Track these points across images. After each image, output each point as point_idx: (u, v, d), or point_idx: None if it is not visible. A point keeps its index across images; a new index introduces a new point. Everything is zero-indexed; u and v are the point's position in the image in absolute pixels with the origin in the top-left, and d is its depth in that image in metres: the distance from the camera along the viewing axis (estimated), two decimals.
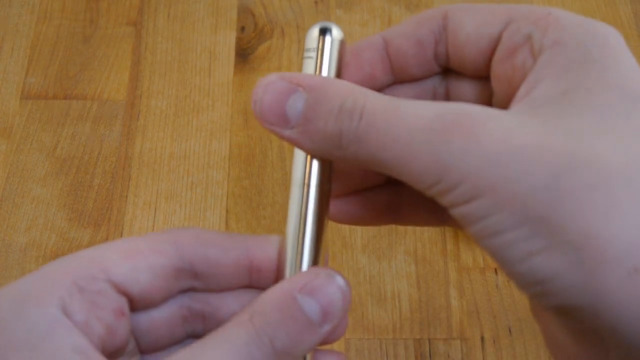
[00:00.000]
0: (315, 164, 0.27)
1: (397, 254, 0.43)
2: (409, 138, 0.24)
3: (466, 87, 0.29)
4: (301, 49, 0.50)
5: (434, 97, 0.30)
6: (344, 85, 0.26)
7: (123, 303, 0.27)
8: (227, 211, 0.44)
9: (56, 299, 0.26)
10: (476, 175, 0.23)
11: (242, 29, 0.51)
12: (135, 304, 0.28)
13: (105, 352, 0.26)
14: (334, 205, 0.31)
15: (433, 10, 0.29)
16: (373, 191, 0.31)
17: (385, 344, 0.40)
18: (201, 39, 0.50)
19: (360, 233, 0.44)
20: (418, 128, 0.24)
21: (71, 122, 0.47)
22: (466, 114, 0.24)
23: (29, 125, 0.47)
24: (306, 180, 0.28)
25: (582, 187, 0.22)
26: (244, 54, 0.50)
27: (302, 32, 0.50)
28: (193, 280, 0.29)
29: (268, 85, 0.27)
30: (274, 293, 0.26)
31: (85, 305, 0.26)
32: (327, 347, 0.36)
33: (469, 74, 0.29)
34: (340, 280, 0.27)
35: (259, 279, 0.29)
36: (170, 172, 0.45)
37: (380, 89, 0.30)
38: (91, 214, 0.44)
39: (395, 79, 0.30)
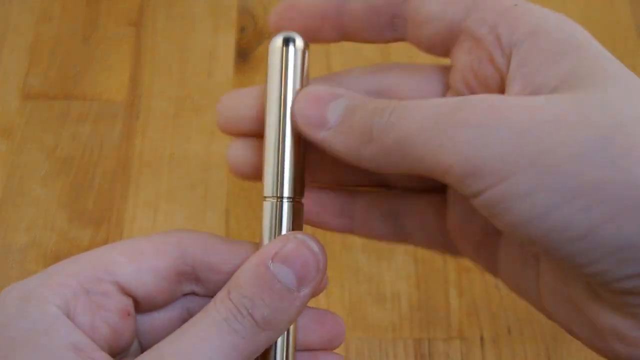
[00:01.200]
0: (287, 178, 0.28)
1: (397, 254, 0.43)
2: (435, 116, 0.23)
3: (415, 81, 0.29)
4: None
5: None
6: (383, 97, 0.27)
7: (128, 303, 0.28)
8: (227, 211, 0.44)
9: (59, 299, 0.26)
10: (510, 149, 0.21)
11: (242, 29, 0.51)
12: (140, 306, 0.28)
13: (111, 352, 0.26)
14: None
15: None
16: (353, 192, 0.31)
17: (385, 343, 0.40)
18: (201, 39, 0.50)
19: None
20: (445, 109, 0.23)
21: (71, 122, 0.47)
22: (491, 95, 0.23)
23: (29, 126, 0.47)
24: (278, 193, 0.28)
25: (637, 143, 0.20)
26: (243, 54, 0.50)
27: None
28: (194, 285, 0.29)
29: (313, 92, 0.28)
30: (248, 265, 0.26)
31: (90, 306, 0.27)
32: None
33: (424, 50, 0.29)
34: (311, 243, 0.27)
35: None
36: (170, 172, 0.45)
37: (327, 41, 0.30)
38: (91, 214, 0.44)
39: (344, 37, 0.30)
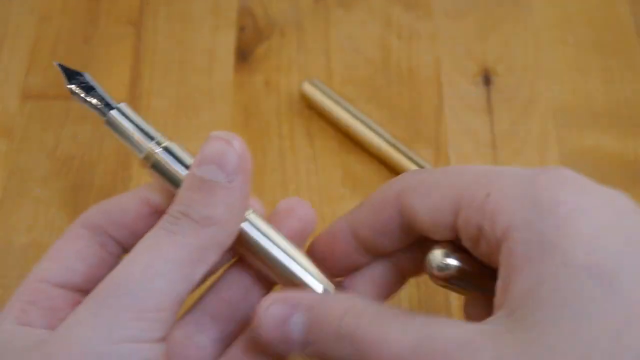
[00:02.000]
0: None
1: None
2: None
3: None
4: (300, 49, 0.50)
5: None
6: (340, 302, 0.28)
7: (77, 295, 0.30)
8: None
9: (11, 319, 0.28)
10: None
11: (242, 29, 0.51)
12: (90, 289, 0.29)
13: None
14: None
15: (387, 190, 0.30)
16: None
17: None
18: (201, 39, 0.50)
19: None
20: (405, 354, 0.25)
21: (71, 122, 0.47)
22: (441, 347, 0.24)
23: (30, 126, 0.47)
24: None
25: None
26: (244, 54, 0.50)
27: (301, 32, 0.50)
28: (119, 246, 0.31)
29: (266, 311, 0.28)
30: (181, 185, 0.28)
31: (42, 313, 0.29)
32: None
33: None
34: (223, 134, 0.29)
35: None
36: None
37: (366, 264, 0.32)
38: None
39: (374, 257, 0.31)
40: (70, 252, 0.30)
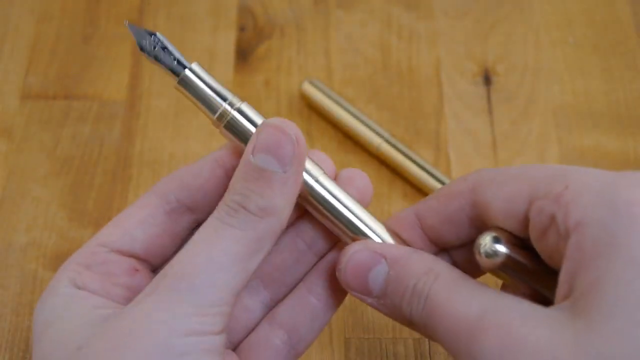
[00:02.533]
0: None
1: None
2: (456, 331, 0.26)
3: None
4: (300, 49, 0.50)
5: None
6: (423, 260, 0.29)
7: (133, 262, 0.30)
8: None
9: (66, 282, 0.29)
10: None
11: (242, 29, 0.51)
12: (149, 257, 0.30)
13: None
14: None
15: (461, 183, 0.30)
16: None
17: (385, 343, 0.40)
18: (201, 39, 0.50)
19: None
20: (463, 325, 0.26)
21: (71, 122, 0.47)
22: (506, 319, 0.25)
23: (29, 125, 0.47)
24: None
25: None
26: (244, 54, 0.50)
27: (301, 32, 0.50)
28: (192, 214, 0.31)
29: (353, 254, 0.29)
30: (237, 169, 0.28)
31: (96, 277, 0.29)
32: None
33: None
34: (278, 123, 0.28)
35: None
36: (170, 172, 0.45)
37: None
38: (91, 214, 0.44)
39: (438, 250, 0.32)
40: (134, 219, 0.31)
